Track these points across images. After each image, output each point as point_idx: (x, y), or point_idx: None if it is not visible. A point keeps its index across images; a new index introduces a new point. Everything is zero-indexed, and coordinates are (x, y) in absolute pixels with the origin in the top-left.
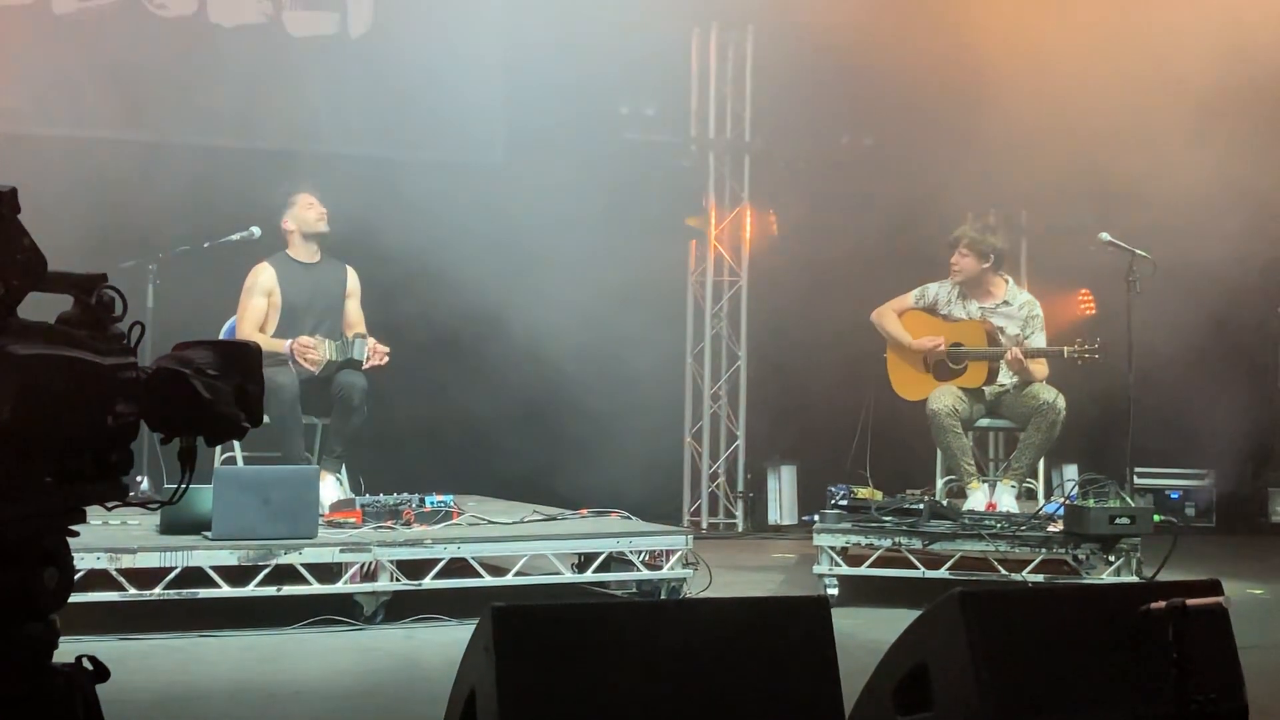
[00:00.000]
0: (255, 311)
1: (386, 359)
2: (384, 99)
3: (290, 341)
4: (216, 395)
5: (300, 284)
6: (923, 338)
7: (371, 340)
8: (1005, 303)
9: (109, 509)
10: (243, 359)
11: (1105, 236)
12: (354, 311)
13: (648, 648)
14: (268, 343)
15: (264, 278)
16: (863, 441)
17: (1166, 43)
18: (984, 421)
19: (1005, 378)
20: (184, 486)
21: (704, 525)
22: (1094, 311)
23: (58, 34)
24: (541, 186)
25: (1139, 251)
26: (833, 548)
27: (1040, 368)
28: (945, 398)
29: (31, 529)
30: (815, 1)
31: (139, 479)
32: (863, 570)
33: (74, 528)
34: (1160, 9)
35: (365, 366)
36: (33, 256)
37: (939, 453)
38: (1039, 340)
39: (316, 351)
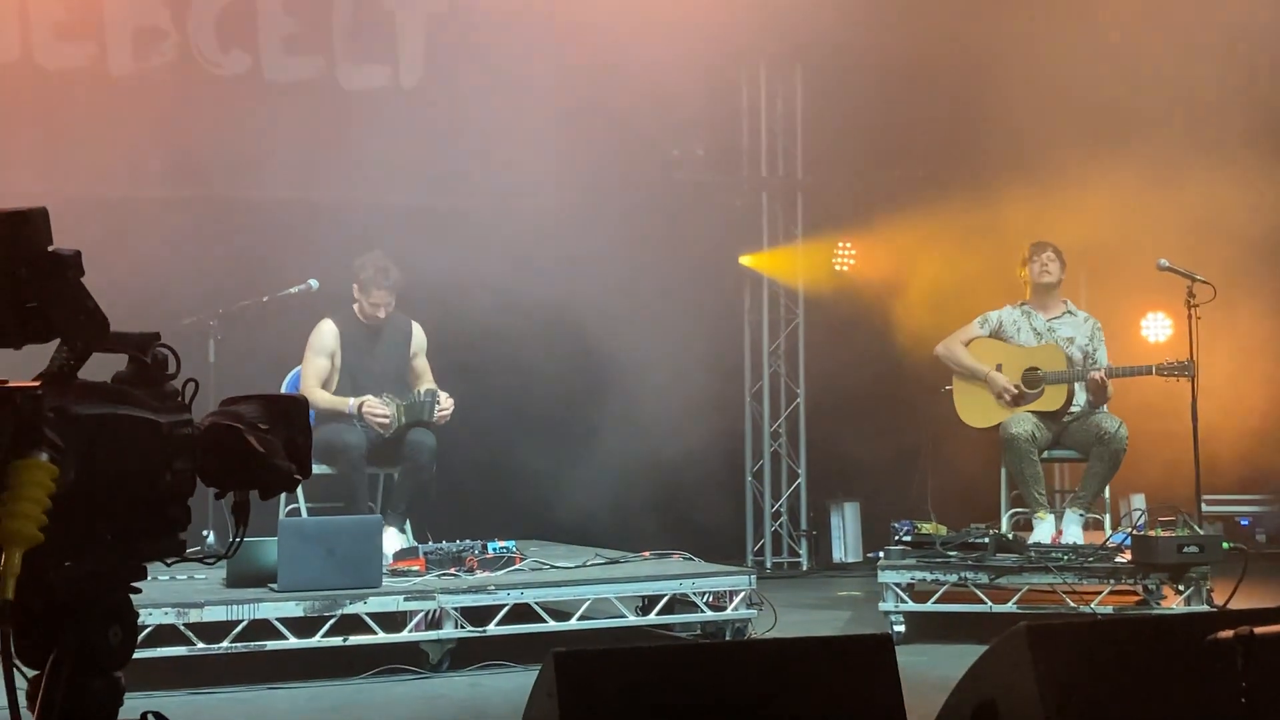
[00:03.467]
0: (318, 370)
1: (449, 413)
2: (437, 149)
3: (356, 402)
4: (269, 448)
5: (363, 343)
6: (997, 374)
7: (441, 395)
8: (1070, 313)
9: (169, 565)
10: (291, 412)
11: (1164, 263)
12: (421, 367)
13: (712, 690)
14: (332, 400)
15: (327, 338)
16: (925, 476)
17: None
18: (1047, 453)
19: (1078, 401)
20: (239, 540)
21: (768, 564)
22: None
23: (115, 96)
24: (596, 230)
25: (1198, 277)
26: (898, 584)
27: (1109, 387)
28: (1025, 423)
29: (95, 587)
30: (862, 39)
31: (205, 533)
32: (929, 606)
33: (136, 584)
34: (1212, 32)
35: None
36: (97, 318)
37: (1003, 484)
38: (1103, 354)
39: (386, 415)
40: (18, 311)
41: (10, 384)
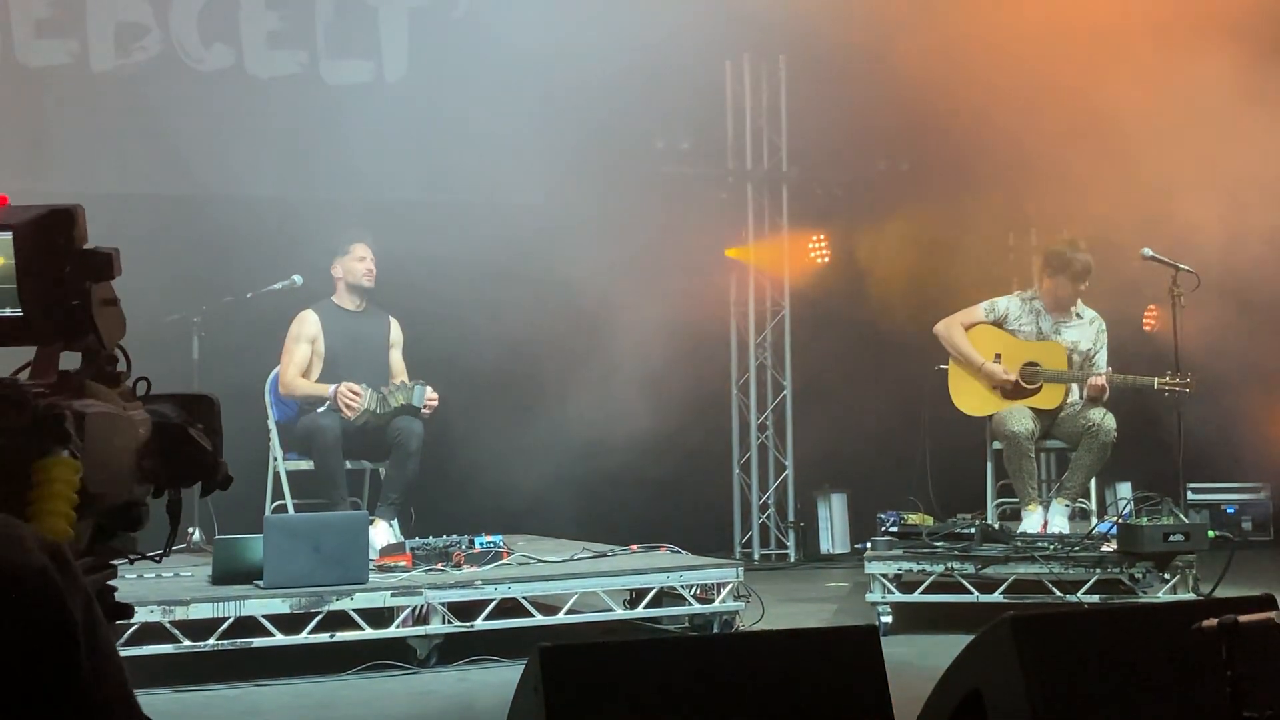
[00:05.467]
0: (299, 358)
1: (435, 404)
2: (421, 143)
3: (335, 386)
4: (211, 446)
5: (343, 332)
6: (994, 365)
7: (428, 387)
8: (1078, 316)
9: (131, 563)
10: (206, 410)
11: (1147, 252)
12: (397, 361)
13: (697, 683)
14: (312, 388)
15: (308, 326)
16: (923, 464)
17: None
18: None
19: (1072, 399)
20: (174, 536)
21: (756, 557)
22: (1156, 327)
23: (97, 91)
24: (581, 224)
25: (1182, 266)
26: (885, 575)
27: (1108, 391)
28: (1025, 420)
29: (96, 586)
30: (845, 29)
31: (190, 529)
32: (916, 597)
33: (109, 583)
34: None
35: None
36: (120, 317)
37: (989, 474)
38: (1103, 357)
39: (359, 400)
40: (62, 309)
41: (21, 382)
